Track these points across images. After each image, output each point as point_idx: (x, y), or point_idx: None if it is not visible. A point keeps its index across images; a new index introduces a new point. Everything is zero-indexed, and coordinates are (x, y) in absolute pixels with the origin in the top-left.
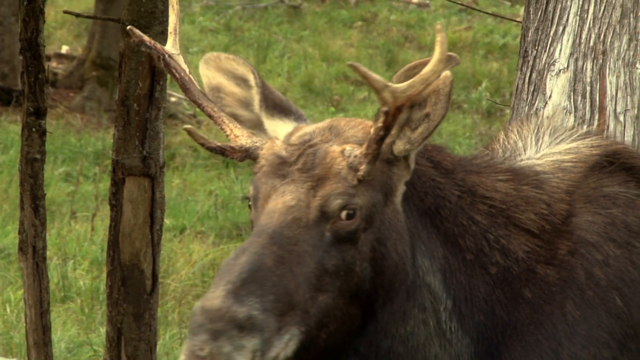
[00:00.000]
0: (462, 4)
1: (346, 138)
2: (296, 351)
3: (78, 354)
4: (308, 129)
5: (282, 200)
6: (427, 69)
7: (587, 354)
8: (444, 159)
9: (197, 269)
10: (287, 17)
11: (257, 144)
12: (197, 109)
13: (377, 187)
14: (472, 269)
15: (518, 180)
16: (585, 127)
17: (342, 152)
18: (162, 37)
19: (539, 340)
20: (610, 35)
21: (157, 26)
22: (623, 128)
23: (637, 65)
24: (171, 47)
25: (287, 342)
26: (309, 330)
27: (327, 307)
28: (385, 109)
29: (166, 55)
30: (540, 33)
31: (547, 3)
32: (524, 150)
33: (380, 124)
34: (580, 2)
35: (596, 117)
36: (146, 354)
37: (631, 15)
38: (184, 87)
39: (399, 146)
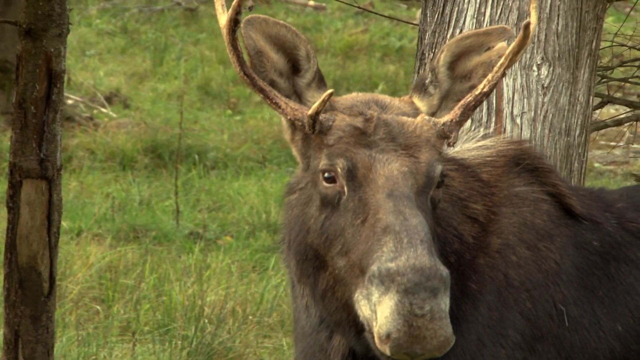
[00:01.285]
0: (358, 7)
1: (397, 110)
2: None
3: None
4: (347, 102)
5: (393, 167)
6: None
7: (504, 354)
8: None
9: (95, 272)
10: (184, 20)
11: (328, 117)
12: (94, 112)
13: None
14: (441, 258)
15: (463, 170)
16: (482, 129)
17: (427, 121)
18: (58, 39)
19: (473, 340)
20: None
21: (54, 29)
22: (520, 130)
23: (534, 68)
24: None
25: None
26: None
27: None
28: (506, 72)
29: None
30: (437, 36)
31: (444, 6)
32: None
33: (486, 89)
34: (477, 5)
35: (493, 119)
36: (43, 356)
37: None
38: (241, 61)
39: (445, 118)
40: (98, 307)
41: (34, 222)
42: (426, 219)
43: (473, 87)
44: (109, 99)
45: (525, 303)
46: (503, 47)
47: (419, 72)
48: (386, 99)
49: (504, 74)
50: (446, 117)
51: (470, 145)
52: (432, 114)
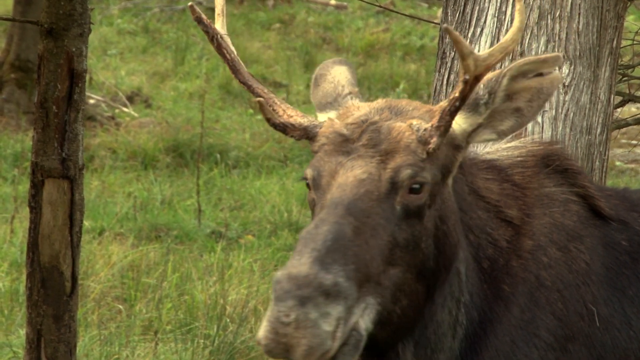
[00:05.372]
0: (379, 6)
1: (410, 117)
2: (375, 324)
3: None
4: (362, 109)
5: (353, 174)
6: (506, 37)
7: (537, 355)
8: (464, 161)
9: (117, 271)
10: None
11: (315, 123)
12: (116, 111)
13: (439, 167)
14: (474, 264)
15: (496, 174)
16: None
17: (410, 126)
18: (80, 39)
19: (506, 341)
20: (528, 36)
21: (75, 28)
22: (541, 129)
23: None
24: (220, 27)
25: (363, 310)
26: (385, 302)
27: (399, 281)
28: (466, 77)
29: (218, 36)
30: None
31: (465, 5)
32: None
33: (457, 94)
34: (498, 4)
35: None
36: (66, 355)
37: (549, 16)
38: (234, 69)
39: (484, 135)
40: (120, 307)
41: (56, 221)
42: (383, 226)
43: (518, 109)
44: (130, 99)
45: (556, 303)
46: (557, 78)
47: (440, 71)
48: (408, 105)
49: (463, 100)
50: (426, 124)
51: (501, 145)
52: (472, 131)
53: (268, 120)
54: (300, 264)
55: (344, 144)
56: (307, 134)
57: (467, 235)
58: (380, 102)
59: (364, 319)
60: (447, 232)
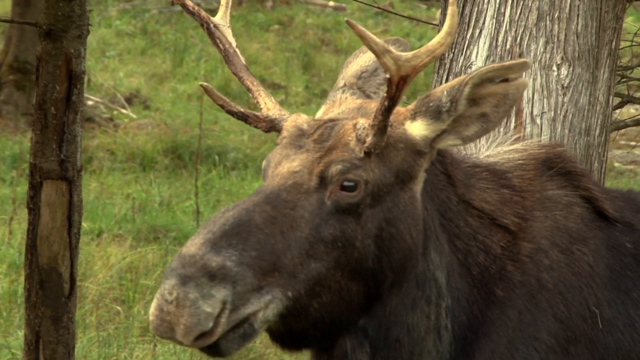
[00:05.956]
0: (378, 7)
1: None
2: (284, 316)
3: None
4: (341, 106)
5: (289, 165)
6: (434, 40)
7: (538, 357)
8: (455, 173)
9: (115, 272)
10: None
11: (284, 116)
12: (115, 113)
13: (392, 170)
14: (461, 269)
15: (497, 183)
16: (502, 129)
17: (354, 125)
18: (78, 40)
19: (502, 343)
20: (527, 38)
21: (74, 30)
22: (540, 130)
23: (554, 68)
24: (220, 18)
25: (267, 303)
26: (298, 296)
27: (320, 276)
28: (387, 76)
29: (211, 25)
30: (456, 36)
31: (464, 6)
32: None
33: (384, 94)
34: (497, 5)
35: (513, 119)
36: (64, 356)
37: (547, 18)
38: (227, 59)
39: (448, 141)
40: (118, 308)
41: (55, 223)
42: (306, 219)
43: (484, 114)
44: (129, 100)
45: (558, 306)
46: (523, 84)
47: (438, 73)
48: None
49: (393, 100)
50: (366, 123)
51: (502, 148)
52: (436, 137)
53: (222, 107)
54: (192, 244)
55: (300, 139)
56: (274, 126)
57: (453, 242)
58: (357, 102)
59: (266, 313)
60: (395, 236)
